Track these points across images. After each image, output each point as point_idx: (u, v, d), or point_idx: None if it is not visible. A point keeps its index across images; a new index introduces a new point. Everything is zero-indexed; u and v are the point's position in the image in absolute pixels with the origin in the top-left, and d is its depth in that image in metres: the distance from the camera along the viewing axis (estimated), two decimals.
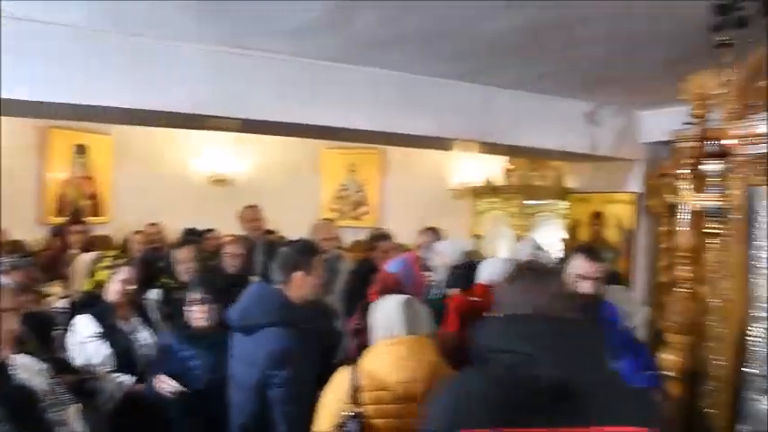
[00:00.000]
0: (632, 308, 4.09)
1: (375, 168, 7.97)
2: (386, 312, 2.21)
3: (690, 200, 2.31)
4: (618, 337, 2.77)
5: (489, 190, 7.00)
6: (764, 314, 2.38)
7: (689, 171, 2.45)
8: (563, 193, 6.60)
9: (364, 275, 4.28)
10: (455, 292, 3.62)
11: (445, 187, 7.82)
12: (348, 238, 6.77)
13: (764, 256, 2.38)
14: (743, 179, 2.32)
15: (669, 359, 2.54)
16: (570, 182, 6.74)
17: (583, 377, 1.49)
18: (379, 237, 5.17)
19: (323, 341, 2.83)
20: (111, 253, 4.48)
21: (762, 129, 2.26)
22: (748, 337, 2.43)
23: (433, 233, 4.73)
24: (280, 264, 2.64)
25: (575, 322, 1.59)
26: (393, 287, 3.22)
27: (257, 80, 4.21)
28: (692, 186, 2.39)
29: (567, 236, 6.33)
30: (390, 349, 2.10)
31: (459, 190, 7.63)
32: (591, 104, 5.39)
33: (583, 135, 5.41)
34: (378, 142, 6.36)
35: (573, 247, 2.97)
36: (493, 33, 3.60)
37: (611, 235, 5.94)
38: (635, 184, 5.83)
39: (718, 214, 2.28)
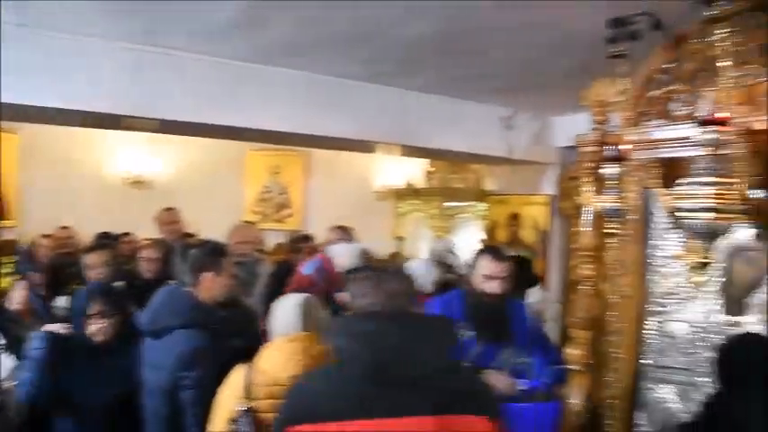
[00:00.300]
0: (546, 305, 4.28)
1: (299, 170, 7.91)
2: (283, 311, 2.23)
3: (590, 201, 2.44)
4: (527, 334, 2.88)
5: (411, 192, 7.10)
6: (658, 309, 2.55)
7: (590, 174, 2.58)
8: (482, 195, 6.77)
9: (282, 278, 4.27)
10: (345, 295, 3.66)
11: (369, 189, 7.87)
12: (272, 240, 6.70)
13: (659, 254, 2.55)
14: (638, 182, 2.47)
15: (574, 353, 2.67)
16: (489, 184, 6.93)
17: (423, 370, 1.58)
18: (300, 239, 5.16)
19: (242, 342, 2.81)
20: (13, 258, 4.25)
21: (654, 135, 2.41)
22: (644, 331, 2.60)
23: (343, 231, 4.75)
24: (189, 265, 2.64)
25: (415, 318, 1.71)
26: (307, 288, 3.23)
27: (175, 80, 4.13)
28: (593, 189, 2.52)
29: (485, 237, 6.51)
30: (284, 346, 2.12)
31: (383, 192, 7.70)
32: (507, 110, 5.57)
33: (500, 139, 5.58)
34: (299, 144, 6.34)
35: (478, 248, 3.05)
36: (407, 38, 3.67)
37: (528, 235, 6.15)
38: (549, 187, 6.07)
39: (615, 215, 2.42)
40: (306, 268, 4.12)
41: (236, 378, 2.10)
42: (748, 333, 2.13)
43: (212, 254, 2.70)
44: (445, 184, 6.94)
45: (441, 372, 1.61)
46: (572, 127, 4.29)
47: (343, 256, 4.02)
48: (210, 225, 5.29)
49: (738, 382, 1.92)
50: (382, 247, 6.91)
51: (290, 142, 5.90)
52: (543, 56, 3.93)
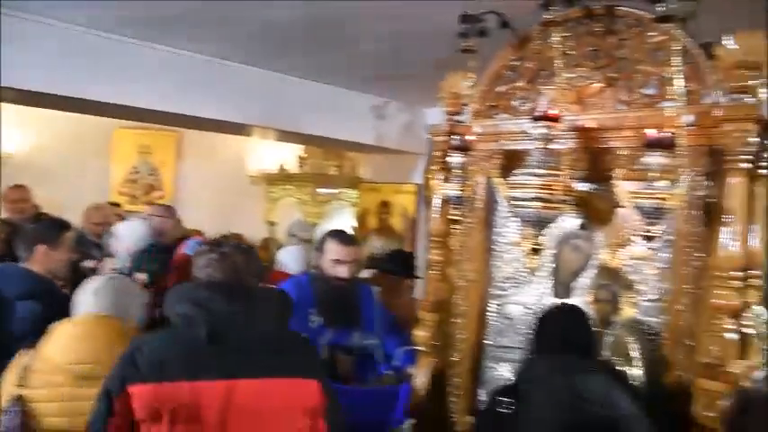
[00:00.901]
0: None
1: (170, 151, 7.61)
2: (83, 294, 2.15)
3: (438, 189, 2.54)
4: (376, 318, 2.96)
5: (283, 177, 7.06)
6: (499, 292, 2.71)
7: (440, 163, 2.70)
8: (355, 183, 6.86)
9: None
10: (142, 276, 3.66)
11: (243, 173, 7.72)
12: None
13: (501, 241, 2.71)
14: (482, 172, 2.61)
15: (421, 335, 2.77)
16: (363, 172, 7.03)
17: (254, 335, 1.75)
18: None
19: None
20: None
21: (497, 128, 2.56)
22: (486, 313, 2.75)
23: (164, 209, 4.69)
24: (23, 239, 2.66)
25: (251, 289, 1.84)
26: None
27: (38, 49, 3.86)
28: (442, 177, 2.63)
29: (356, 223, 6.60)
30: (68, 330, 2.05)
31: (256, 176, 7.58)
32: (380, 99, 5.67)
33: (371, 128, 5.68)
34: (171, 124, 6.11)
35: (326, 232, 3.08)
36: (274, 22, 3.64)
37: (397, 223, 6.31)
38: (418, 176, 6.25)
39: (460, 202, 2.53)
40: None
41: (18, 364, 2.00)
42: (557, 305, 2.31)
43: (50, 228, 2.69)
44: (318, 171, 6.95)
45: (272, 338, 1.78)
46: (440, 118, 4.43)
47: (126, 237, 4.01)
48: (75, 205, 5.00)
49: (539, 348, 2.10)
50: (255, 232, 6.82)
51: (161, 121, 5.68)
52: (412, 47, 4.01)
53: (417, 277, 4.03)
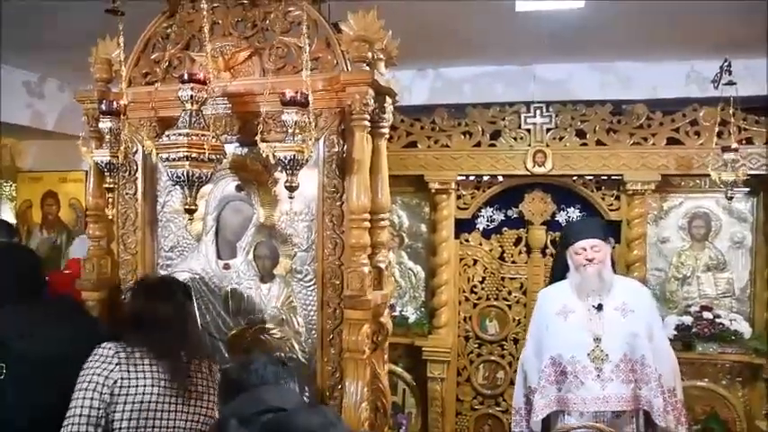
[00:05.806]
0: None
1: None
2: None
3: (89, 156, 2.40)
4: None
5: None
6: (167, 262, 2.69)
7: (92, 131, 2.57)
8: (11, 173, 6.03)
9: None
10: None
11: None
12: None
13: (166, 210, 2.69)
14: (138, 140, 2.56)
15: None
16: (20, 161, 6.20)
17: None
18: None
19: None
20: None
21: (151, 95, 2.52)
22: None
23: None
24: None
25: None
26: None
27: None
28: (94, 146, 2.51)
29: (15, 219, 5.83)
30: None
31: None
32: (34, 75, 5.08)
33: (25, 107, 5.06)
34: None
35: None
36: None
37: (66, 214, 5.74)
38: (86, 162, 5.74)
39: (114, 169, 2.43)
40: None
41: None
42: None
43: None
44: None
45: None
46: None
47: None
48: None
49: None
50: None
51: None
52: (71, 13, 3.62)
53: None
